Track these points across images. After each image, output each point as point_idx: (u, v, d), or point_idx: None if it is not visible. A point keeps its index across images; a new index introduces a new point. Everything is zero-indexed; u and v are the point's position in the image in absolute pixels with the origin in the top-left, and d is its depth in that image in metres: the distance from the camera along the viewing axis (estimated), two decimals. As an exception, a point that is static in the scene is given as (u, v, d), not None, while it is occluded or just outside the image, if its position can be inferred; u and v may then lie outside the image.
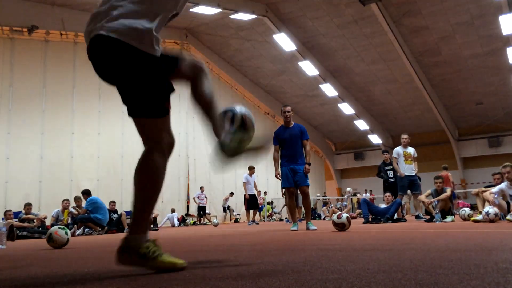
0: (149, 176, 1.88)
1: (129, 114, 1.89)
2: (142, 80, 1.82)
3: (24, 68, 12.00)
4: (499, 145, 20.53)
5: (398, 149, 9.23)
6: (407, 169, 9.01)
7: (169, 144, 1.93)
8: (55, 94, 12.42)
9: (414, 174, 9.11)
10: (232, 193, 16.55)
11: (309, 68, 16.98)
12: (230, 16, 14.48)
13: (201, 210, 14.78)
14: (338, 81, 18.63)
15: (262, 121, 20.62)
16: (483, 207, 7.44)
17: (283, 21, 15.11)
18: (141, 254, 1.78)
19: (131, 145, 13.75)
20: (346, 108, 19.90)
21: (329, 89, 18.43)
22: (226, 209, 16.47)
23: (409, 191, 9.36)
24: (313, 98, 19.96)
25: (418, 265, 1.72)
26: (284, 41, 15.49)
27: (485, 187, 8.30)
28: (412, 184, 8.99)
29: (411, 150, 9.19)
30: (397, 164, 9.07)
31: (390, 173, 10.31)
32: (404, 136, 9.29)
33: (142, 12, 1.85)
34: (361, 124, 21.34)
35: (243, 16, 14.34)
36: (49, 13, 12.30)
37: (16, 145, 11.56)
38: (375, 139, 22.39)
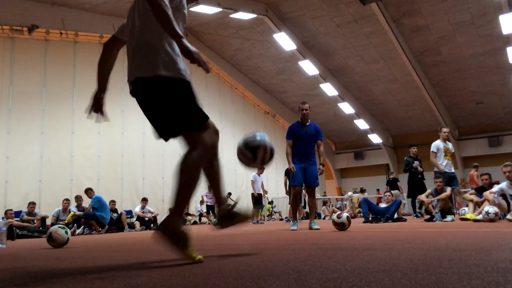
0: (187, 174, 2.13)
1: (175, 132, 2.22)
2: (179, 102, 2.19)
3: (24, 67, 12.00)
4: (499, 145, 20.53)
5: (438, 143, 8.46)
6: (447, 165, 8.34)
7: (213, 143, 2.26)
8: (55, 93, 12.41)
9: (453, 170, 8.55)
10: (230, 193, 16.53)
11: (309, 67, 16.97)
12: (230, 16, 14.48)
13: (210, 209, 14.82)
14: (338, 80, 18.63)
15: (262, 121, 20.64)
16: (474, 209, 7.45)
17: (283, 20, 15.11)
18: (176, 236, 2.04)
19: (131, 145, 13.78)
20: (346, 108, 19.90)
21: (329, 89, 18.42)
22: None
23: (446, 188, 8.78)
24: (313, 97, 19.94)
25: (418, 264, 1.72)
26: (284, 41, 15.49)
27: (475, 189, 8.22)
28: (452, 180, 8.32)
29: (449, 145, 8.61)
30: (435, 159, 8.32)
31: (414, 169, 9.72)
32: (445, 130, 8.55)
33: None
34: (361, 124, 21.34)
35: (243, 16, 14.34)
36: (49, 12, 12.29)
37: (16, 144, 11.56)
38: (375, 138, 22.39)
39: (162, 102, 2.15)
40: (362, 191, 17.18)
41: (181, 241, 2.03)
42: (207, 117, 2.22)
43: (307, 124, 6.34)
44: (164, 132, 2.24)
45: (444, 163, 8.33)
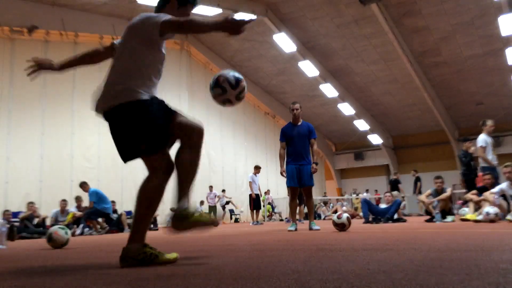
0: (146, 197, 2.23)
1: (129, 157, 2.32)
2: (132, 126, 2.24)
3: (24, 68, 11.96)
4: (499, 145, 20.51)
5: (485, 137, 7.96)
6: (492, 159, 7.90)
7: (168, 168, 2.29)
8: (55, 94, 12.42)
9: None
10: (223, 190, 16.48)
11: (309, 68, 16.97)
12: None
13: (212, 210, 14.85)
14: (338, 81, 18.63)
15: (262, 121, 20.64)
16: (474, 210, 7.45)
17: (283, 21, 15.11)
18: (139, 260, 2.09)
19: (131, 145, 13.77)
20: (346, 108, 19.90)
21: (329, 89, 18.43)
22: (224, 207, 16.34)
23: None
24: (313, 98, 19.95)
25: (419, 265, 1.71)
26: (284, 41, 15.49)
27: (477, 189, 8.19)
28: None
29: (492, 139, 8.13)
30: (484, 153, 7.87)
31: (472, 165, 9.25)
32: (491, 123, 8.05)
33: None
34: (361, 124, 21.34)
35: (243, 16, 14.33)
36: (49, 13, 12.30)
37: (16, 145, 11.56)
38: (375, 139, 22.39)
39: (114, 130, 2.29)
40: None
41: (147, 260, 2.10)
42: (156, 145, 2.22)
43: (299, 123, 6.31)
44: (122, 156, 2.34)
45: (493, 157, 7.91)
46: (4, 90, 11.63)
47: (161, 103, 2.27)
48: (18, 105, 11.75)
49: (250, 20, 2.13)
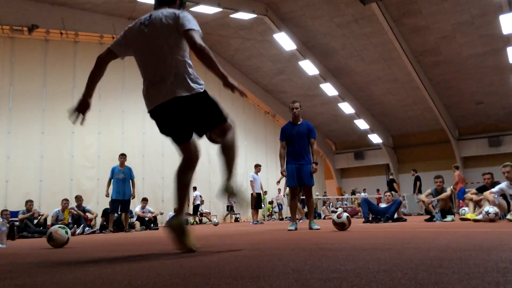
0: (179, 182, 2.83)
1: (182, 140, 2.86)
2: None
3: (24, 67, 12.00)
4: (500, 145, 20.53)
5: None
6: None
7: (192, 159, 2.86)
8: (55, 93, 12.41)
9: None
10: (195, 188, 16.22)
11: (309, 67, 16.97)
12: (230, 16, 14.47)
13: (196, 210, 14.82)
14: (338, 80, 18.63)
15: (263, 121, 20.63)
16: (474, 209, 7.45)
17: (283, 20, 15.10)
18: (182, 228, 2.67)
19: (131, 145, 13.76)
20: (346, 108, 19.90)
21: (329, 89, 18.42)
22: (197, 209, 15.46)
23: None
24: (313, 97, 19.96)
25: (418, 264, 1.72)
26: (284, 41, 15.49)
27: (476, 189, 8.19)
28: None
29: None
30: None
31: None
32: None
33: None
34: (361, 124, 21.34)
35: (243, 16, 14.33)
36: (49, 12, 12.29)
37: (16, 144, 11.56)
38: (375, 138, 22.39)
39: (198, 110, 2.72)
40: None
41: (186, 231, 2.70)
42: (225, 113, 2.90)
43: (299, 123, 6.30)
44: (202, 131, 2.83)
45: None
46: (4, 90, 11.62)
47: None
48: (18, 105, 11.75)
49: (242, 94, 2.75)
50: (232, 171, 2.94)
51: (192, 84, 2.72)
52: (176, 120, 2.74)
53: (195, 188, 14.88)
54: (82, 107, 2.87)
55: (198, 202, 14.82)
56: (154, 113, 2.78)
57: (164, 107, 2.70)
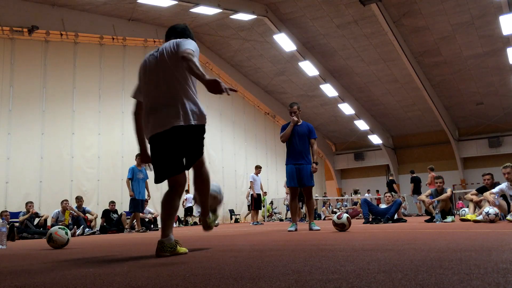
0: (170, 208, 2.94)
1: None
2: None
3: (24, 68, 12.00)
4: (499, 145, 20.53)
5: None
6: None
7: (182, 186, 3.04)
8: (55, 94, 12.41)
9: None
10: (187, 190, 16.11)
11: (309, 68, 16.98)
12: (230, 17, 14.48)
13: (188, 211, 14.76)
14: (338, 81, 18.63)
15: (263, 121, 20.64)
16: (474, 210, 7.44)
17: (283, 21, 15.11)
18: (171, 248, 2.71)
19: (131, 145, 13.74)
20: (346, 108, 19.90)
21: (329, 89, 18.43)
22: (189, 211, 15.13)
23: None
24: (313, 98, 19.97)
25: (419, 265, 1.71)
26: (284, 41, 15.49)
27: (476, 189, 8.17)
28: None
29: None
30: None
31: None
32: None
33: None
34: (361, 124, 21.34)
35: (243, 17, 14.34)
36: (49, 13, 12.29)
37: (16, 145, 11.56)
38: (375, 139, 22.39)
39: (192, 144, 2.79)
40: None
41: (175, 249, 2.73)
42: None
43: (299, 123, 6.33)
44: (189, 165, 2.89)
45: None
46: (4, 91, 11.62)
47: None
48: (18, 106, 11.74)
49: (232, 89, 2.54)
50: (206, 207, 3.13)
51: (190, 115, 2.72)
52: (172, 149, 2.79)
53: (187, 191, 14.80)
54: (146, 159, 3.11)
55: (189, 204, 14.76)
56: (152, 140, 2.85)
57: (162, 136, 2.76)
